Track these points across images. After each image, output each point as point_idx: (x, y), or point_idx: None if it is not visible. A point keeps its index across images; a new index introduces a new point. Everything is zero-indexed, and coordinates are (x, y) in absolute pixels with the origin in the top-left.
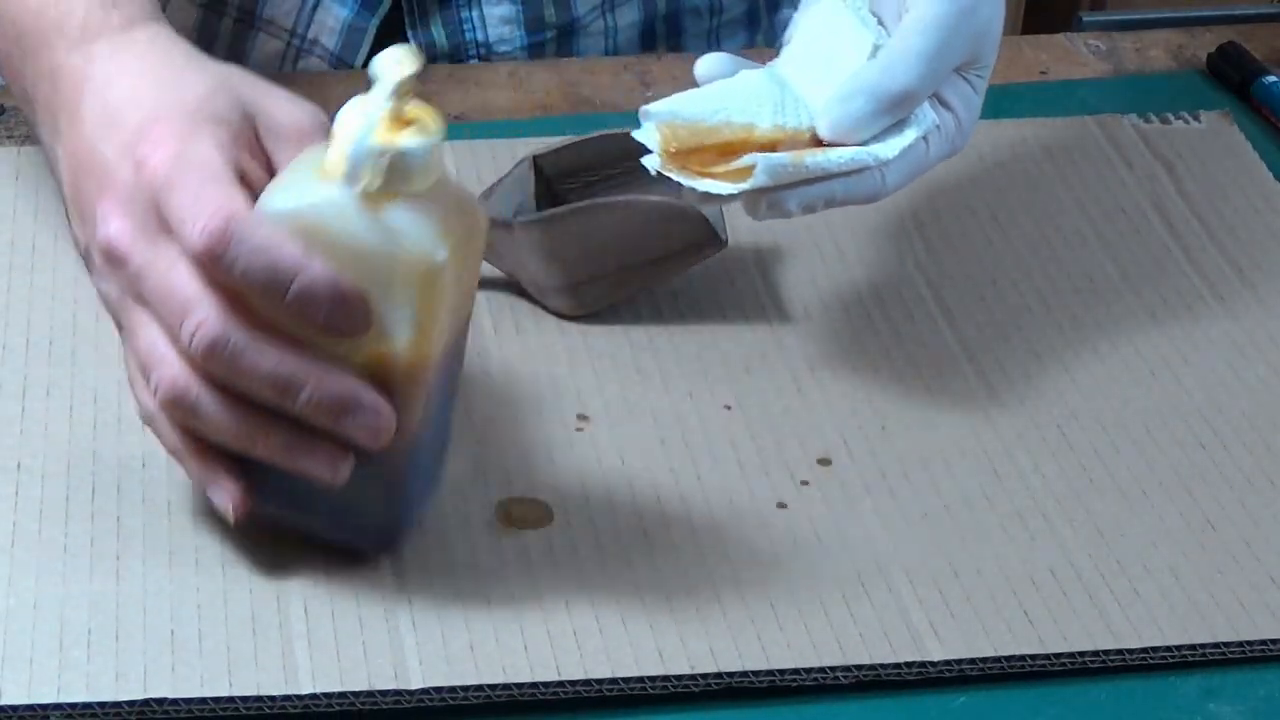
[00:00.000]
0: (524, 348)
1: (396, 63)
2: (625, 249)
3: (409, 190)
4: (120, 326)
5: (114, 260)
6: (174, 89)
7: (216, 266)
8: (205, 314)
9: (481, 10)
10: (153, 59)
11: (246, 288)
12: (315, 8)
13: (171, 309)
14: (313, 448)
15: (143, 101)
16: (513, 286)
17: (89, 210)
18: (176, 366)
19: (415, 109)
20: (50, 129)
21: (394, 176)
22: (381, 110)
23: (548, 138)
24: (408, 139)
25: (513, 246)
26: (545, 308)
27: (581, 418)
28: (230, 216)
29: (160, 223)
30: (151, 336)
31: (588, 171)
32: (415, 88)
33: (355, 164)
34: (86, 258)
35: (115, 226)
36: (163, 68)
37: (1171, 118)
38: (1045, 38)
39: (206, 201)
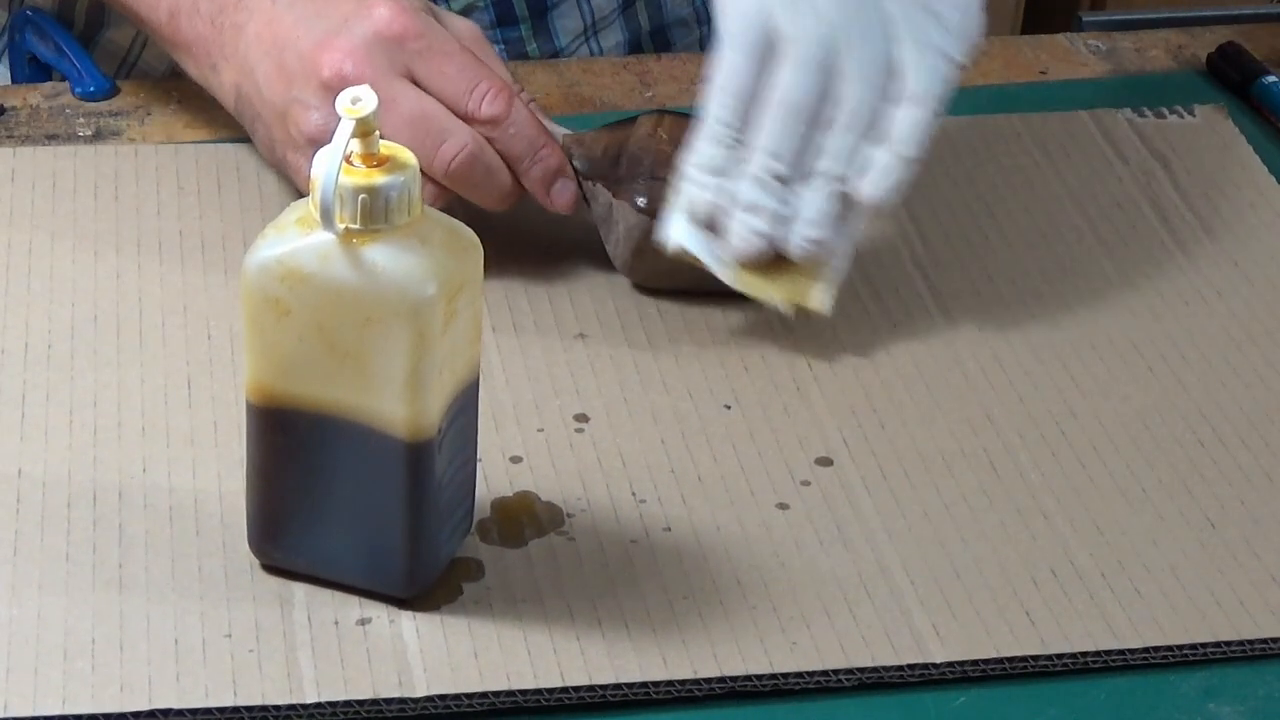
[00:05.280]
0: (524, 348)
1: (354, 102)
2: None
3: (390, 228)
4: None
5: (390, 38)
6: None
7: (493, 128)
8: (493, 80)
9: None
10: None
11: (504, 149)
12: None
13: (466, 76)
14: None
15: None
16: (511, 288)
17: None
18: (469, 132)
19: (388, 147)
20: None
21: (371, 215)
22: (347, 151)
23: None
24: (379, 177)
25: (615, 218)
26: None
27: (581, 418)
28: (511, 92)
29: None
30: (428, 106)
31: (613, 161)
32: (377, 124)
33: (328, 206)
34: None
35: (388, 12)
36: None
37: (1166, 112)
38: (1045, 38)
39: (483, 73)
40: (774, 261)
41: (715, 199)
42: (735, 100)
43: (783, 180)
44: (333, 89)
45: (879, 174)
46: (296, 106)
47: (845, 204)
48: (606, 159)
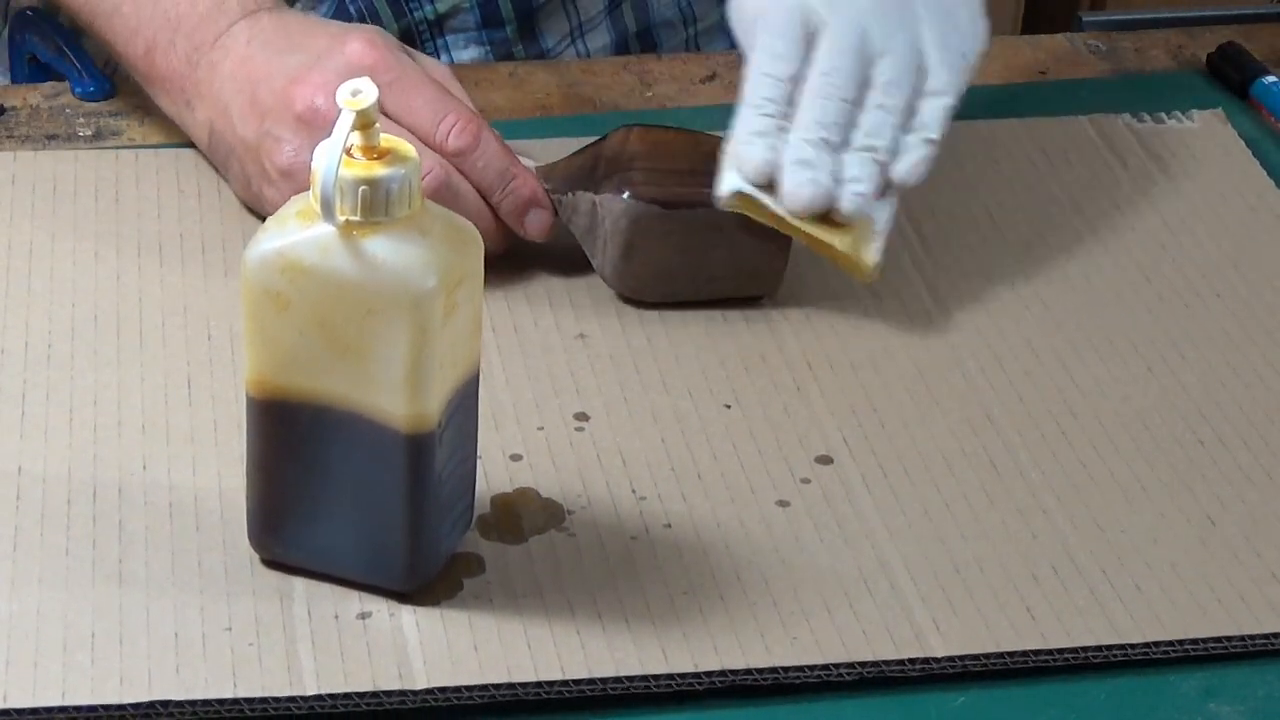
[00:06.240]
0: (524, 348)
1: (354, 94)
2: (710, 255)
3: (390, 220)
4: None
5: (362, 71)
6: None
7: (462, 160)
8: (462, 112)
9: (450, 55)
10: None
11: (476, 181)
12: None
13: (434, 109)
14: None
15: (321, 23)
16: (511, 288)
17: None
18: (436, 159)
19: (388, 140)
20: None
21: (372, 207)
22: (347, 143)
23: (547, 139)
24: (379, 169)
25: (600, 217)
26: (594, 269)
27: (581, 416)
28: (480, 124)
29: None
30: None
31: (589, 172)
32: (377, 116)
33: (328, 198)
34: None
35: (360, 47)
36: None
37: (1165, 117)
38: (1045, 38)
39: (451, 106)
40: (822, 218)
41: (766, 155)
42: (778, 82)
43: (828, 144)
44: (305, 122)
45: (909, 155)
46: (269, 140)
47: (880, 180)
48: (581, 173)
